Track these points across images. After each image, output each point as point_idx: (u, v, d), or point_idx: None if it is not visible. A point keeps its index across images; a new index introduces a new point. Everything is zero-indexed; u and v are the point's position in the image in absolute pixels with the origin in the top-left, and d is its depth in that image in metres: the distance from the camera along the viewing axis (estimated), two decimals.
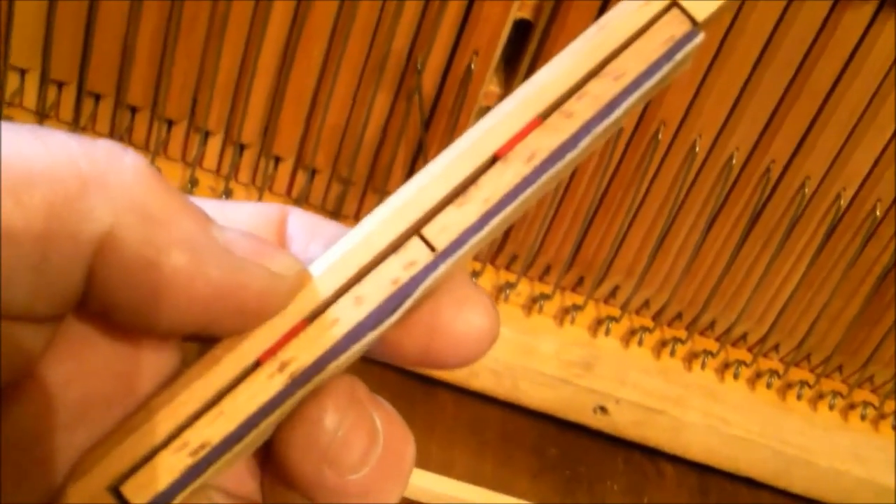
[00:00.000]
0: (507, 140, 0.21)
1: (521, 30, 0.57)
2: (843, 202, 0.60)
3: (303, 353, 0.21)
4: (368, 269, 0.21)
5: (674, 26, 0.22)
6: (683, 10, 0.22)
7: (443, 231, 0.21)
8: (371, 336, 0.21)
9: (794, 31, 0.55)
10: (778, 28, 0.55)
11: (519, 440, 0.66)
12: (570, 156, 0.21)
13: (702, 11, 0.22)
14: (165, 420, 0.20)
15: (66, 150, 0.19)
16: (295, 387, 0.21)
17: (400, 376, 0.63)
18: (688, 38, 0.22)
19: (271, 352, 0.21)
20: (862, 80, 0.56)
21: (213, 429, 0.21)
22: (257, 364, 0.21)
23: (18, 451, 0.20)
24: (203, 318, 0.20)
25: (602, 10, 0.55)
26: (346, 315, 0.21)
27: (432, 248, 0.21)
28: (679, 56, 0.22)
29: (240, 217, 0.23)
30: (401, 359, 0.23)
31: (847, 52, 0.55)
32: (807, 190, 0.60)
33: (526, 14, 0.56)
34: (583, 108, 0.21)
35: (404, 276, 0.21)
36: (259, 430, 0.21)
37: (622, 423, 0.66)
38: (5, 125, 0.19)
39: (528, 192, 0.21)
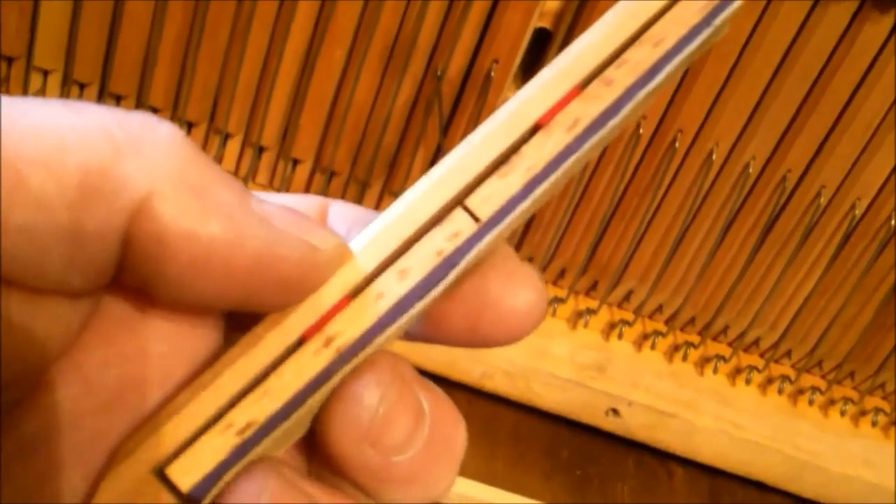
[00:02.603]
0: (547, 109, 0.21)
1: (541, 39, 0.57)
2: (858, 212, 0.60)
3: (349, 327, 0.21)
4: (411, 241, 0.21)
5: None
6: None
7: (486, 201, 0.21)
8: (417, 308, 0.21)
9: (813, 41, 0.55)
10: (797, 38, 0.55)
11: (531, 441, 0.66)
12: (611, 123, 0.21)
13: None
14: (209, 400, 0.20)
15: (99, 119, 0.19)
16: (342, 362, 0.21)
17: None
18: (726, 1, 0.21)
19: (316, 327, 0.21)
20: (879, 91, 0.56)
21: (258, 407, 0.20)
22: (301, 341, 0.21)
23: (57, 434, 0.20)
24: (242, 291, 0.20)
25: None
26: (391, 288, 0.21)
27: (476, 219, 0.21)
28: (718, 21, 0.21)
29: None
30: (448, 337, 0.22)
31: (865, 64, 0.55)
32: (822, 199, 0.60)
33: (546, 23, 0.56)
34: (623, 75, 0.21)
35: (449, 248, 0.21)
36: (305, 408, 0.21)
37: (634, 425, 0.66)
38: (37, 99, 0.19)
39: (571, 160, 0.21)
